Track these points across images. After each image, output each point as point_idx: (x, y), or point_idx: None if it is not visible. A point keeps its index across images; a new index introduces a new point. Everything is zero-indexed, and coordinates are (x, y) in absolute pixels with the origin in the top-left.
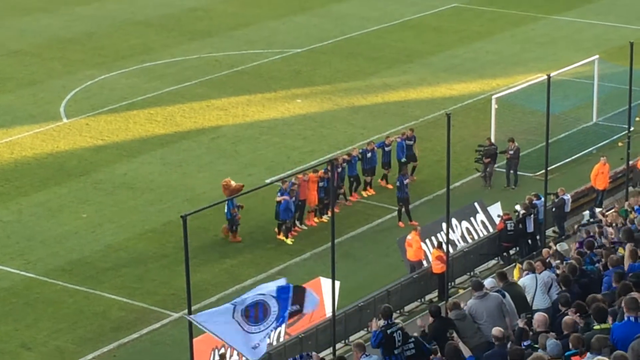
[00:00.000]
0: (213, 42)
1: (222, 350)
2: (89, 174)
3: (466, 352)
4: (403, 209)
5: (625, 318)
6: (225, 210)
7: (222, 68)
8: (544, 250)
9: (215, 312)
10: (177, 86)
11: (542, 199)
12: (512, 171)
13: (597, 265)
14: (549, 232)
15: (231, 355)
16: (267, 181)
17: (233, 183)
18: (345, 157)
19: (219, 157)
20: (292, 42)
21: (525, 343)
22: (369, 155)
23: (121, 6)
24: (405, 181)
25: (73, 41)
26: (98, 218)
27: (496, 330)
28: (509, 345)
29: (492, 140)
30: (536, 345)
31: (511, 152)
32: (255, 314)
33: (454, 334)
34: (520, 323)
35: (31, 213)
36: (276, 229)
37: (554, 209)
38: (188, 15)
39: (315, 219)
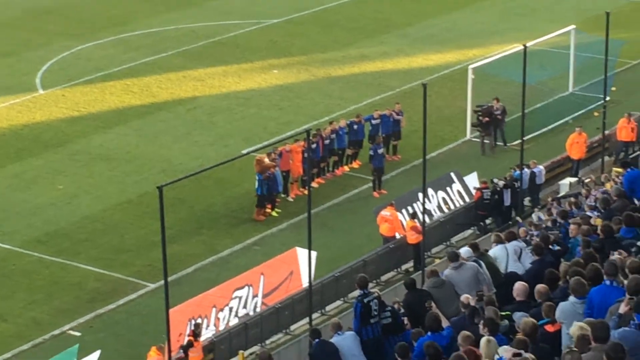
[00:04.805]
0: (190, 13)
1: (199, 320)
2: (65, 145)
3: (444, 322)
4: (377, 179)
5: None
6: (256, 187)
7: (198, 39)
8: (521, 230)
9: None
10: (154, 57)
11: (524, 169)
12: (499, 130)
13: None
14: (525, 201)
15: (207, 326)
16: (244, 152)
17: (266, 160)
18: (333, 128)
19: (196, 128)
20: (268, 12)
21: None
22: (355, 127)
23: None
24: (380, 150)
25: (49, 12)
26: (74, 189)
27: (464, 298)
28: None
29: (469, 110)
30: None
31: (498, 112)
32: None
33: (432, 304)
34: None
35: (7, 184)
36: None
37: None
38: None
39: (300, 190)
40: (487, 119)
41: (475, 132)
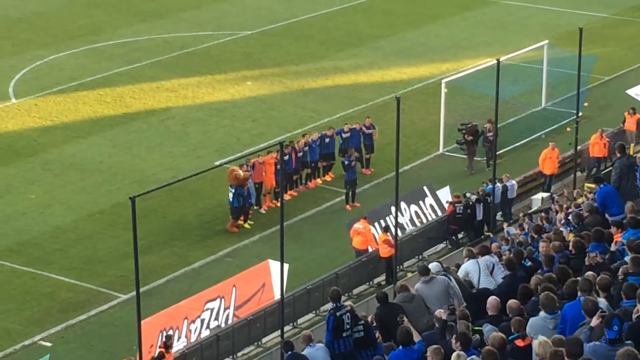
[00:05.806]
0: (163, 24)
1: (170, 332)
2: (38, 155)
3: (416, 336)
4: (350, 192)
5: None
6: (231, 199)
7: (172, 49)
8: (493, 245)
9: None
10: (127, 67)
11: (497, 183)
12: (485, 149)
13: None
14: (497, 216)
15: (179, 338)
16: (217, 163)
17: (241, 172)
18: (306, 140)
19: (169, 138)
20: (242, 24)
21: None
22: (327, 140)
23: None
24: (352, 164)
25: (22, 21)
26: (47, 199)
27: (438, 312)
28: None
29: (442, 124)
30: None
31: (490, 133)
32: None
33: (405, 318)
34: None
35: None
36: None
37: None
38: None
39: (273, 203)
40: (471, 137)
41: (448, 146)
